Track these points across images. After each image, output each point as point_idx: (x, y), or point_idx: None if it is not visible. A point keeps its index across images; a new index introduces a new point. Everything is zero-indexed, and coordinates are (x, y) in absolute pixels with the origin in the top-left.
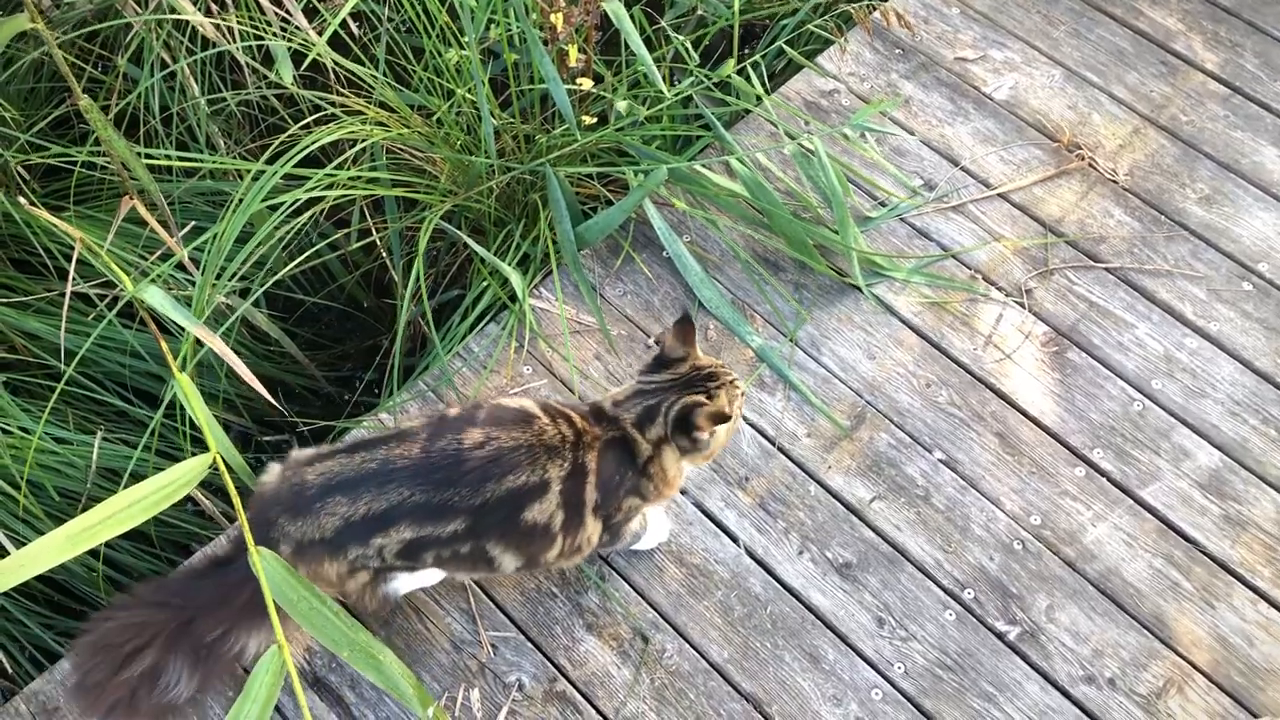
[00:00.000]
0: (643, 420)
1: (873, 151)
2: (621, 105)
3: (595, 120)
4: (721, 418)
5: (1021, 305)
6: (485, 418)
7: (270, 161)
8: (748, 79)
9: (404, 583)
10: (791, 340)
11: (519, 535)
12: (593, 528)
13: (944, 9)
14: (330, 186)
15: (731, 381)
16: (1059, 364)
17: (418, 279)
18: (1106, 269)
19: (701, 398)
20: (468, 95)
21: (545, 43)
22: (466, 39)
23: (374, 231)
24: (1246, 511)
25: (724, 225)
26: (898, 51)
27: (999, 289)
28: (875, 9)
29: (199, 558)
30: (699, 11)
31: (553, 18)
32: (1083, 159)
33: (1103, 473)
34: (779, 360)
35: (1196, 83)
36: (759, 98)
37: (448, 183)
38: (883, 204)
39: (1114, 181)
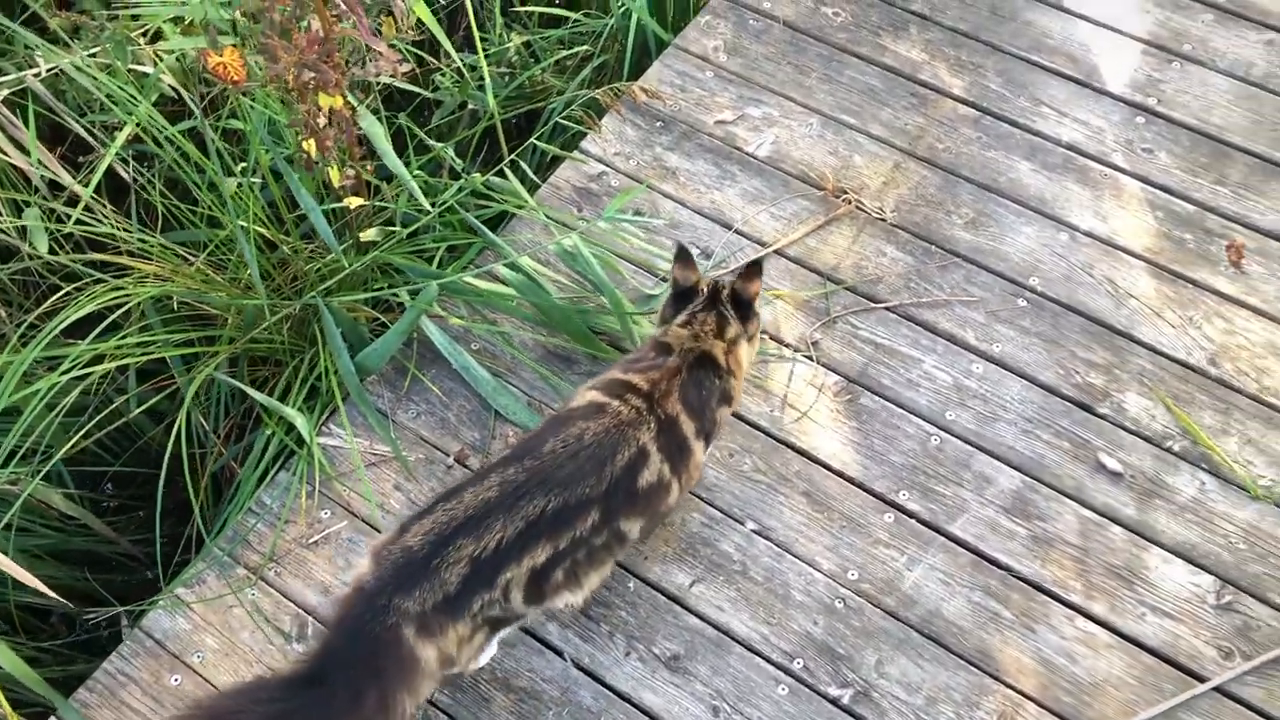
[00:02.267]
0: (720, 330)
1: (635, 239)
2: (370, 233)
3: (381, 232)
4: (756, 273)
5: (810, 359)
6: (566, 418)
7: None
8: (519, 174)
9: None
10: None
11: (643, 500)
12: (699, 450)
13: (698, 74)
14: (119, 346)
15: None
16: (854, 412)
17: (207, 437)
18: (887, 308)
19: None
20: (247, 227)
21: (312, 165)
22: (241, 168)
23: (182, 381)
24: (1051, 528)
25: (511, 328)
26: (659, 124)
27: (787, 346)
28: (622, 92)
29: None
30: (471, 106)
31: (305, 145)
32: (849, 202)
33: (911, 514)
34: None
35: (947, 109)
36: (530, 189)
37: (233, 328)
38: (664, 279)
39: (882, 220)
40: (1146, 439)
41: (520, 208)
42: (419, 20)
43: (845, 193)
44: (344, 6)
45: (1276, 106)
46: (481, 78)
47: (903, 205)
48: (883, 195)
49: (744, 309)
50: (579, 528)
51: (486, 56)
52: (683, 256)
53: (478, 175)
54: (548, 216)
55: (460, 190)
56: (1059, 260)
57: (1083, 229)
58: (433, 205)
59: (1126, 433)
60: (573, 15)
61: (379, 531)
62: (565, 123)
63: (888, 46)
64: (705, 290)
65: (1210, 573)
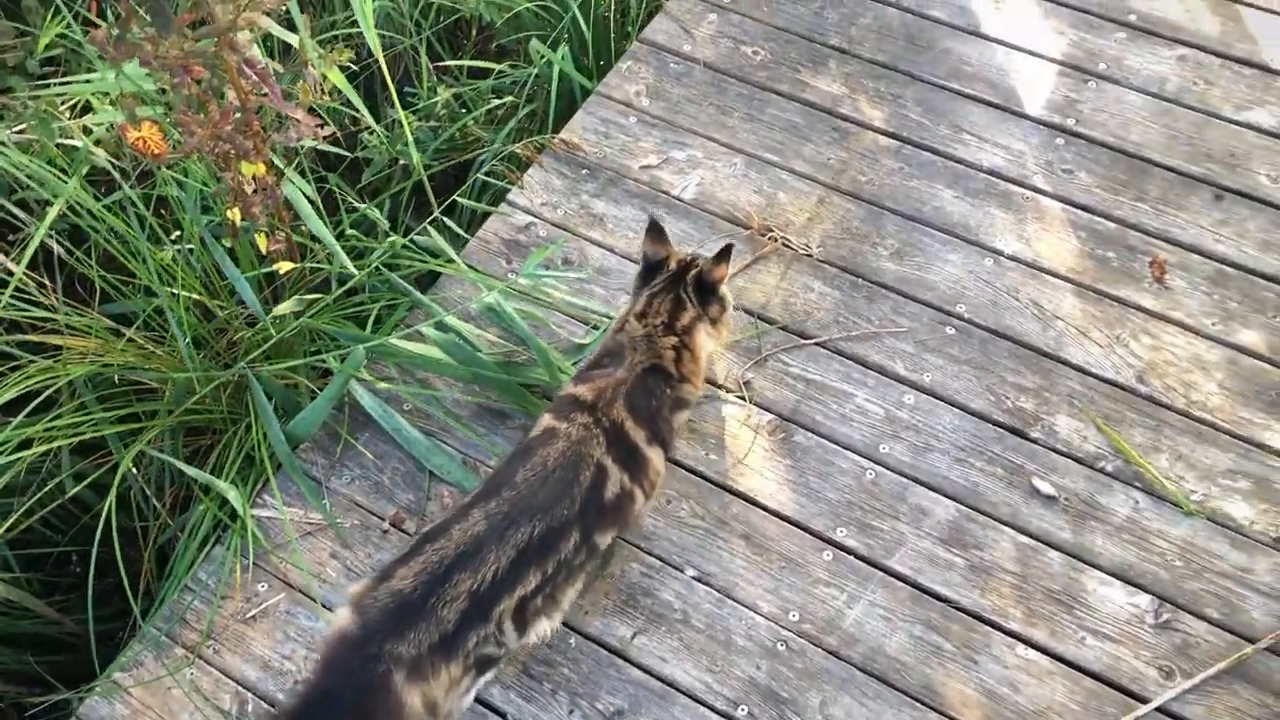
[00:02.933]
0: (672, 319)
1: (558, 293)
2: (285, 306)
3: (301, 301)
4: (724, 257)
5: (743, 399)
6: (528, 448)
7: None
8: (448, 229)
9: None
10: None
11: (612, 513)
12: (655, 458)
13: (622, 120)
14: (50, 427)
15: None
16: (788, 450)
17: (151, 511)
18: (817, 344)
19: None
20: (178, 295)
21: (239, 232)
22: (175, 236)
23: (119, 457)
24: (989, 556)
25: (442, 386)
26: (584, 171)
27: (719, 387)
28: (544, 145)
29: None
30: (402, 161)
31: (230, 214)
32: (775, 240)
33: (849, 551)
34: None
35: (869, 141)
36: (463, 243)
37: (169, 400)
38: (595, 327)
39: (809, 255)
40: (1079, 461)
41: (451, 262)
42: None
43: (771, 230)
44: (256, 77)
45: (1190, 121)
46: (414, 132)
47: (828, 240)
48: (808, 231)
49: (705, 293)
50: (564, 550)
51: (417, 111)
52: (654, 230)
53: (397, 239)
54: (472, 269)
55: (385, 252)
56: (985, 286)
57: (1007, 253)
58: (365, 265)
59: (1059, 456)
60: (498, 66)
61: (315, 601)
62: (489, 179)
63: (808, 82)
64: (672, 268)
65: (1148, 592)
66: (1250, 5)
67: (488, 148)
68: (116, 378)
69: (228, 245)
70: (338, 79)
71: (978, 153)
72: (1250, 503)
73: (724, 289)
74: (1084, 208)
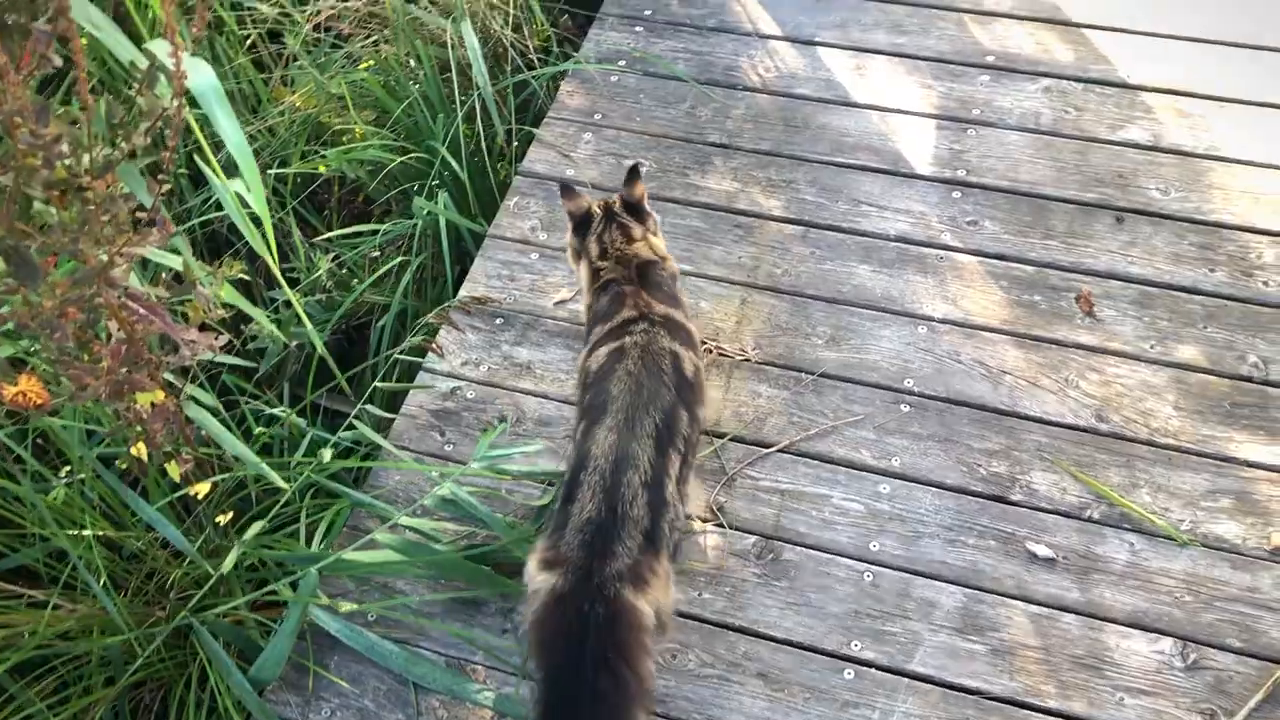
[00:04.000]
0: (627, 239)
1: (512, 465)
2: (230, 560)
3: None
4: (635, 175)
5: (722, 525)
6: (603, 375)
7: None
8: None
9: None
10: (521, 675)
11: (696, 386)
12: (693, 328)
13: (523, 259)
14: None
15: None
16: (780, 570)
17: None
18: (779, 450)
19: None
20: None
21: (145, 468)
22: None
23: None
24: (1007, 636)
25: (406, 585)
26: (498, 321)
27: (693, 519)
28: (448, 311)
29: None
30: (296, 341)
31: (134, 450)
32: (710, 351)
33: (869, 664)
34: (520, 707)
35: (774, 232)
36: (385, 421)
37: (104, 668)
38: (550, 483)
39: (747, 360)
40: (1065, 514)
41: (379, 447)
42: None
43: (704, 342)
44: (142, 311)
45: (1072, 150)
46: (298, 315)
47: (761, 340)
48: (739, 335)
49: (637, 212)
50: (683, 428)
51: (299, 286)
52: (566, 191)
53: (326, 454)
54: (404, 448)
55: (313, 465)
56: (926, 355)
57: (938, 317)
58: (289, 473)
59: (1045, 514)
60: (380, 227)
61: None
62: (403, 357)
63: (699, 184)
64: (599, 211)
65: (1168, 635)
66: (1093, 27)
67: (385, 315)
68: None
69: (132, 477)
70: (229, 293)
71: (881, 222)
72: (1237, 520)
73: (646, 204)
74: (998, 256)
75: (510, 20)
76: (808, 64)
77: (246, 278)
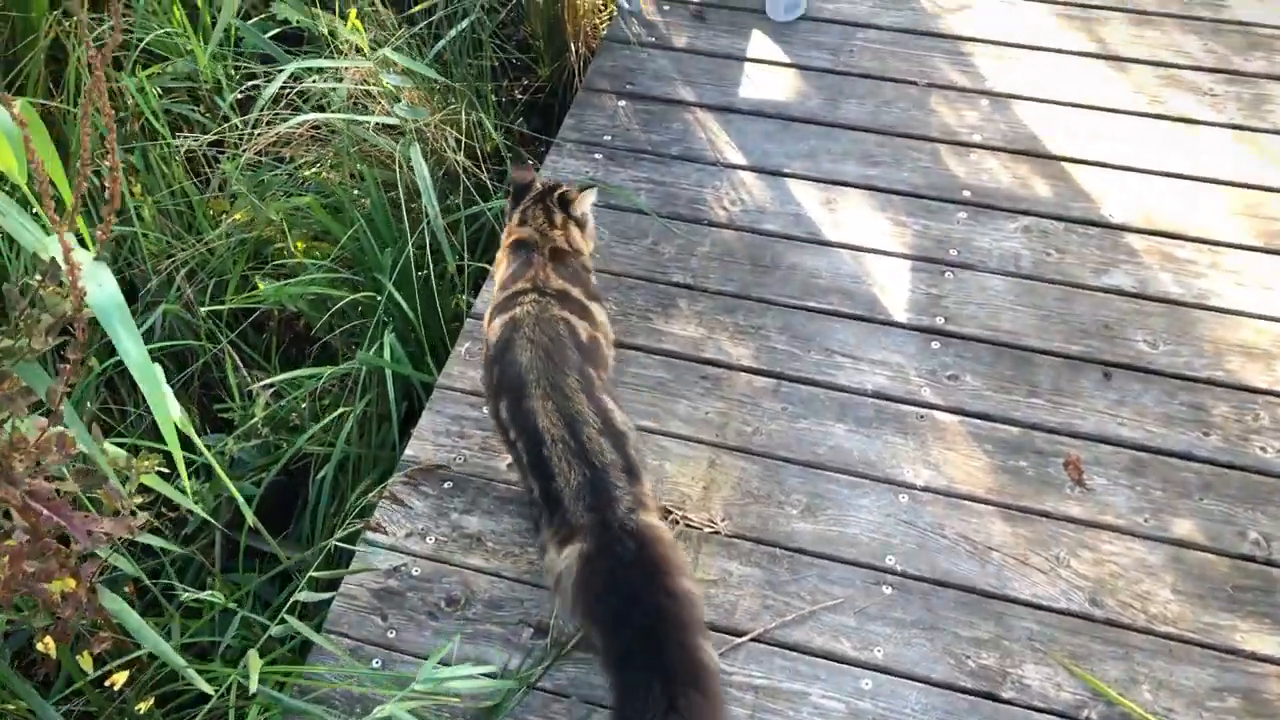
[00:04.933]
0: (548, 222)
1: (463, 684)
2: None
3: None
4: (586, 188)
5: None
6: (506, 345)
7: None
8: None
9: None
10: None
11: (591, 351)
12: (597, 310)
13: (473, 413)
14: None
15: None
16: None
17: None
18: (752, 639)
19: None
20: None
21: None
22: None
23: None
24: None
25: None
26: (447, 485)
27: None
28: (390, 484)
29: None
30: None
31: (42, 646)
32: (677, 522)
33: None
34: None
35: (743, 384)
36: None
37: None
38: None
39: (716, 533)
40: (1061, 715)
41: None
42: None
43: (670, 512)
44: (48, 512)
45: (1055, 297)
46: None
47: (731, 509)
48: (707, 503)
49: (567, 206)
50: (597, 380)
51: (234, 431)
52: (519, 162)
53: (254, 662)
54: (344, 635)
55: (229, 672)
56: (908, 529)
57: (920, 485)
58: (216, 678)
59: (1039, 713)
60: (326, 370)
61: None
62: (343, 545)
63: (662, 330)
64: (538, 188)
65: None
66: (1072, 160)
67: (325, 466)
68: None
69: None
70: (152, 481)
71: (857, 375)
72: None
73: (584, 211)
74: (981, 415)
75: (462, 145)
76: (776, 197)
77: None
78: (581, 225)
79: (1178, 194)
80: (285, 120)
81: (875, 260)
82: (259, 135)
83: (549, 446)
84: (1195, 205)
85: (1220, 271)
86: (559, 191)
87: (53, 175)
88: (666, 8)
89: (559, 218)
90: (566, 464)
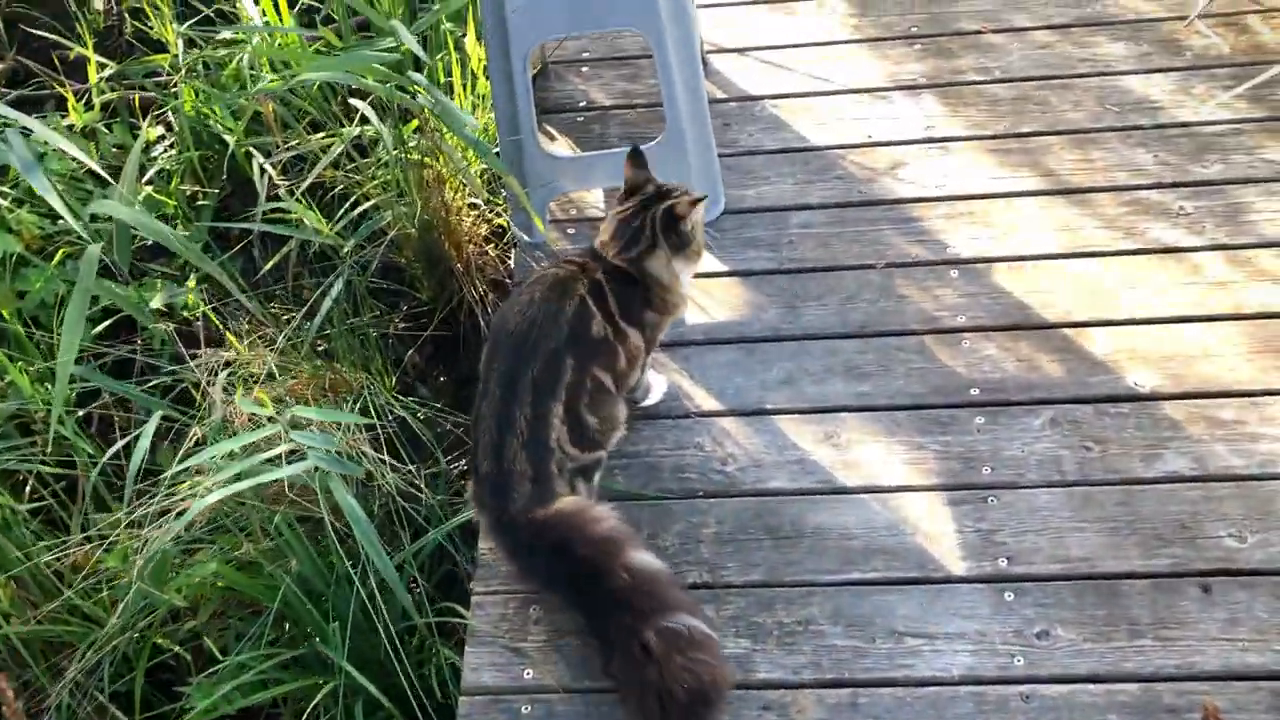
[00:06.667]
0: (629, 245)
1: None
2: None
3: None
4: (695, 201)
5: None
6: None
7: None
8: None
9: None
10: None
11: (602, 346)
12: (634, 335)
13: None
14: None
15: (688, 191)
16: None
17: None
18: None
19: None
20: None
21: None
22: None
23: None
24: None
25: None
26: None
27: None
28: None
29: None
30: None
31: None
32: None
33: None
34: None
35: (812, 708)
36: None
37: None
38: None
39: None
40: None
41: None
42: None
43: None
44: None
45: (1115, 500)
46: None
47: None
48: None
49: (670, 226)
50: (565, 377)
51: None
52: (634, 155)
53: None
54: None
55: None
56: None
57: None
58: None
59: None
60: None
61: None
62: None
63: None
64: (651, 191)
65: None
66: (1070, 325)
67: None
68: None
69: None
70: None
71: (937, 659)
72: None
73: (689, 225)
74: (1091, 679)
75: (403, 474)
76: (770, 443)
77: None
78: (681, 237)
79: (1193, 341)
80: (179, 513)
81: (906, 501)
82: (147, 532)
83: (482, 423)
84: (1215, 351)
85: (1274, 427)
86: (664, 211)
87: None
88: (572, 230)
89: (642, 243)
90: (491, 444)
